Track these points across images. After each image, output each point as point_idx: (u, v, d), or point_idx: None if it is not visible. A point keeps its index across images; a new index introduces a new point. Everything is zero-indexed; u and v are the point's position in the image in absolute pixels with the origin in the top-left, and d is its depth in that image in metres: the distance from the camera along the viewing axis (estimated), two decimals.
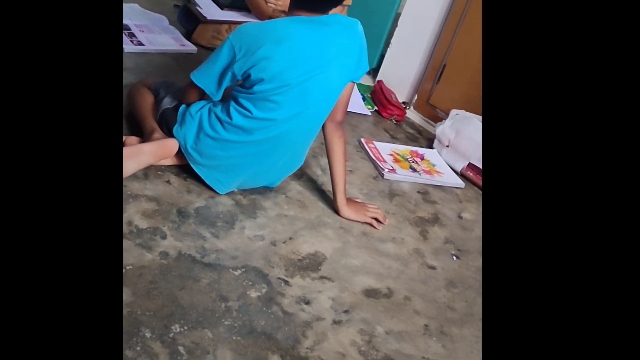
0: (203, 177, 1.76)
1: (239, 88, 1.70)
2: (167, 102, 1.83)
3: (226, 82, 1.66)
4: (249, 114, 1.67)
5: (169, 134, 1.77)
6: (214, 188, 1.77)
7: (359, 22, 1.75)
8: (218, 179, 1.77)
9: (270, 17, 2.51)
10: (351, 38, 1.72)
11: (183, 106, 1.78)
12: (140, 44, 2.58)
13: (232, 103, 1.70)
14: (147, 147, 1.73)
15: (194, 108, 1.75)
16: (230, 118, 1.68)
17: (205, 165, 1.75)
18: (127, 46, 2.51)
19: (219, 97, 1.70)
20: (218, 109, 1.72)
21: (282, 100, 1.66)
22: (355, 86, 1.92)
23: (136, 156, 1.69)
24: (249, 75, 1.63)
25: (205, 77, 1.69)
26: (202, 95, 1.77)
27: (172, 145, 1.75)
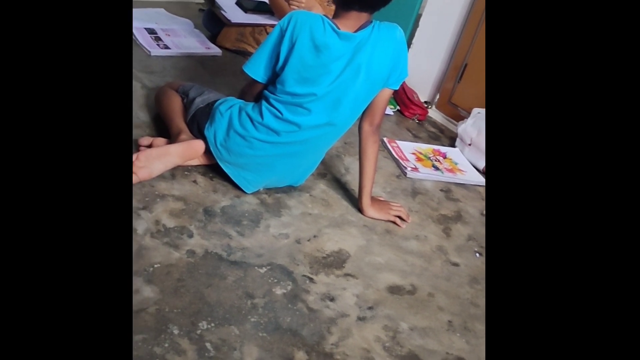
0: (231, 176, 1.79)
1: (272, 89, 1.73)
2: (199, 102, 1.86)
3: (272, 64, 1.71)
4: (279, 115, 1.70)
5: (200, 134, 1.80)
6: (242, 187, 1.80)
7: (398, 27, 1.72)
8: (246, 178, 1.79)
9: None
10: (387, 46, 1.70)
11: (215, 105, 1.81)
12: (166, 47, 2.63)
13: (264, 103, 1.73)
14: (174, 148, 1.76)
15: (224, 106, 1.78)
16: (262, 117, 1.71)
17: (233, 163, 1.77)
18: (154, 50, 2.56)
19: (265, 79, 1.75)
20: (249, 108, 1.75)
21: (313, 108, 1.70)
22: None
23: (163, 157, 1.73)
24: (287, 59, 1.67)
25: (253, 63, 1.75)
26: (262, 88, 1.80)
27: (198, 146, 1.79)
